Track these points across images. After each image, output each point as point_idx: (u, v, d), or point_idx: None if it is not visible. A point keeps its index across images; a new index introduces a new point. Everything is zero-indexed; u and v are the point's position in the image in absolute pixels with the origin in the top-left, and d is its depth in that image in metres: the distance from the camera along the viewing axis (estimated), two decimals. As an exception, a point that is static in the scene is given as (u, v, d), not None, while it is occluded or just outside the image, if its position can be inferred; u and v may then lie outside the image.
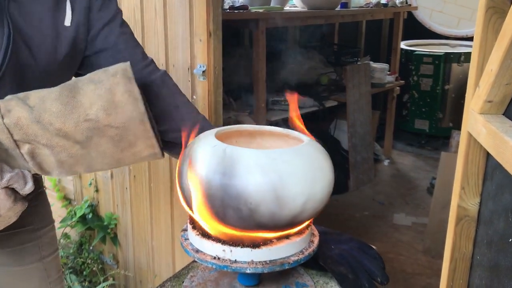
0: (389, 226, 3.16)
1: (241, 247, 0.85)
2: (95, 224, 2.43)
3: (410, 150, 4.53)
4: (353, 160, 3.62)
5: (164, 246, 2.17)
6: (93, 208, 2.47)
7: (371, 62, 3.88)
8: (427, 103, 4.40)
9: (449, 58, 4.27)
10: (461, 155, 1.05)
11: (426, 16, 4.87)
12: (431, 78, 4.33)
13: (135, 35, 1.97)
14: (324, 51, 3.89)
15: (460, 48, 4.62)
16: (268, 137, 1.00)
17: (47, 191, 2.79)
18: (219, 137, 0.91)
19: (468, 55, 4.24)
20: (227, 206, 0.80)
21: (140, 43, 1.97)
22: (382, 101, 4.36)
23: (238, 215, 0.80)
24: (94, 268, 2.41)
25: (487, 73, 0.88)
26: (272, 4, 3.01)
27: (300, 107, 3.36)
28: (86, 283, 2.37)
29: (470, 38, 4.73)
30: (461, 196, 1.06)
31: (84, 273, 2.47)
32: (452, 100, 4.36)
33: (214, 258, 0.86)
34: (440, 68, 4.26)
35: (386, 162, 4.24)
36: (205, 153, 0.84)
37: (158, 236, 2.18)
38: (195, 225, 0.91)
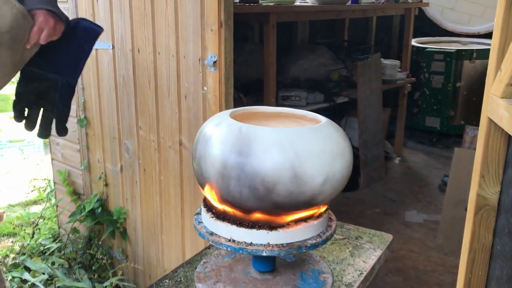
0: (401, 223, 3.12)
1: (257, 229, 0.83)
2: (104, 219, 2.42)
3: (421, 148, 4.48)
4: (364, 157, 3.58)
5: (174, 241, 2.15)
6: (102, 203, 2.45)
7: (382, 59, 3.84)
8: (438, 101, 4.35)
9: (460, 55, 4.21)
10: (481, 143, 1.02)
11: (437, 13, 4.83)
12: (443, 76, 4.27)
13: (146, 26, 1.97)
14: (334, 47, 3.86)
15: (471, 45, 4.56)
16: (284, 119, 0.98)
17: (57, 186, 2.79)
18: (234, 118, 0.88)
19: (480, 52, 4.19)
20: (243, 186, 0.78)
21: (151, 34, 1.96)
22: (392, 98, 4.32)
23: (255, 194, 0.78)
24: (104, 262, 2.40)
25: (510, 54, 0.85)
26: (282, -2, 2.98)
27: (310, 103, 3.31)
28: (96, 276, 2.36)
29: (482, 35, 4.68)
30: (480, 185, 1.03)
31: (93, 268, 2.46)
32: (464, 98, 4.31)
33: (229, 240, 0.84)
34: (452, 65, 4.21)
35: (397, 160, 4.19)
36: (220, 132, 0.82)
37: (168, 231, 2.16)
38: (209, 207, 0.88)
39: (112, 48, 2.14)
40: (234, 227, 0.83)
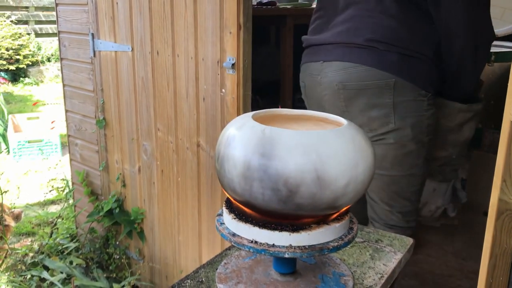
0: (418, 226, 3.09)
1: (279, 231, 0.83)
2: (122, 219, 2.44)
3: (438, 151, 4.43)
4: (380, 160, 3.56)
5: (190, 241, 2.16)
6: (120, 203, 2.48)
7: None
8: (456, 104, 4.30)
9: (478, 57, 4.16)
10: (503, 146, 1.01)
11: (455, 15, 4.77)
12: (460, 78, 4.22)
13: (165, 29, 1.99)
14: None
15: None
16: (305, 122, 0.98)
17: (75, 187, 2.81)
18: (256, 120, 0.89)
19: (499, 55, 4.13)
20: (266, 187, 0.78)
21: (170, 36, 1.98)
22: (409, 101, 4.28)
23: (278, 196, 0.78)
24: (122, 261, 2.42)
25: (536, 55, 0.84)
26: (299, 1, 2.99)
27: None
28: (114, 275, 2.38)
29: (500, 38, 4.61)
30: (502, 189, 1.02)
31: (110, 267, 2.48)
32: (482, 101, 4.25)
33: (251, 242, 0.84)
34: (469, 68, 4.16)
35: (413, 163, 4.15)
36: (243, 134, 0.82)
37: (185, 231, 2.18)
38: (231, 208, 0.89)
39: (131, 50, 2.16)
40: (256, 228, 0.83)
